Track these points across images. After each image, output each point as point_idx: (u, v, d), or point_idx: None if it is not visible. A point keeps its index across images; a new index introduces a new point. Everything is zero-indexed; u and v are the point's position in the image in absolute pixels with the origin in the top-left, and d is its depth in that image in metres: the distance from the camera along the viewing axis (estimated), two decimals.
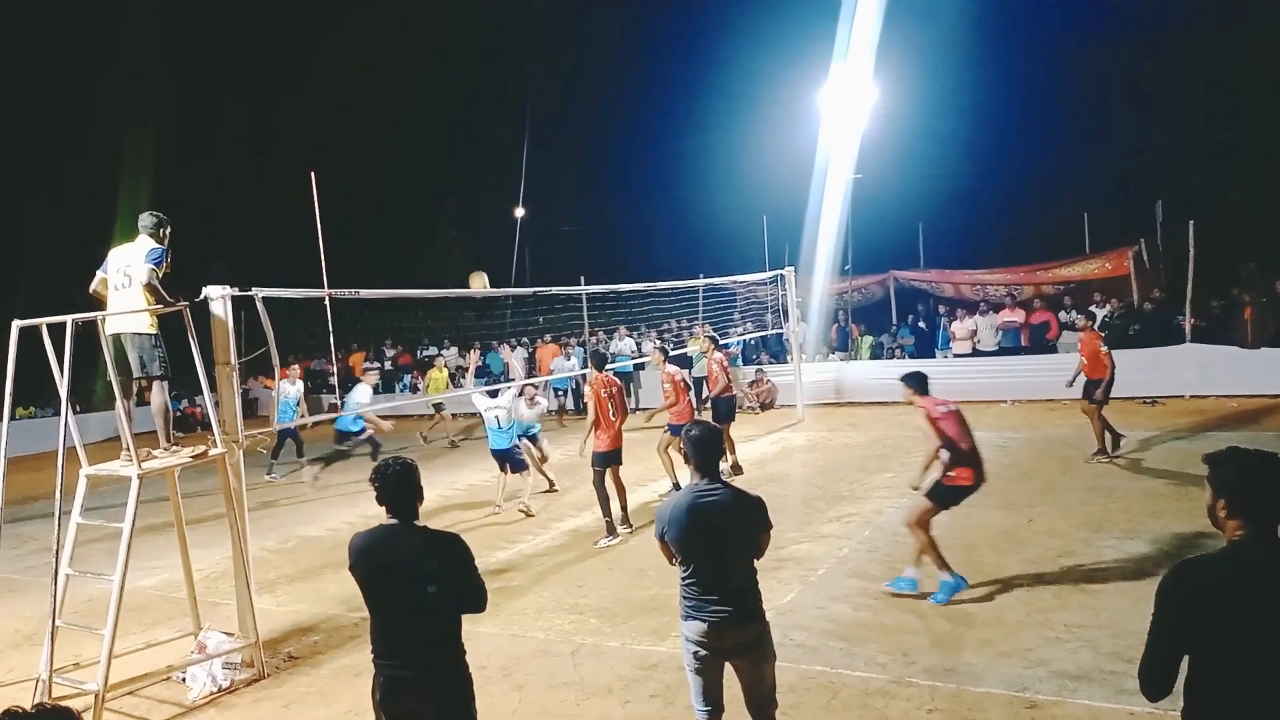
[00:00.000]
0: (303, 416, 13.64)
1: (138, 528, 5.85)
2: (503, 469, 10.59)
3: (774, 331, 18.28)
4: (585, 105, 34.17)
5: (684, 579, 3.91)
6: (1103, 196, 22.00)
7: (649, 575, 7.53)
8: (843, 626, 6.04)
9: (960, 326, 17.17)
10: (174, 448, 6.35)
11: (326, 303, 7.83)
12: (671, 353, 11.73)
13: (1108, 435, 10.67)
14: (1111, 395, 10.69)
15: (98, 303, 6.24)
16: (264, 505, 11.85)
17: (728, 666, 3.93)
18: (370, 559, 3.54)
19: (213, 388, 6.31)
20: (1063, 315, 16.63)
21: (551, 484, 11.39)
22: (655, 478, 11.10)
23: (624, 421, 9.39)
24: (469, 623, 3.58)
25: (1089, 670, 5.03)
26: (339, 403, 15.04)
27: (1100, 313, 15.81)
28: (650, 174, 31.92)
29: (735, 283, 18.42)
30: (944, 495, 6.41)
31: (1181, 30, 22.95)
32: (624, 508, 9.25)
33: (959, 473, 6.33)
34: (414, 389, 19.87)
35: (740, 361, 18.51)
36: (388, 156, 31.91)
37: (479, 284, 11.42)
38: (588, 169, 35.01)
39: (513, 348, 19.36)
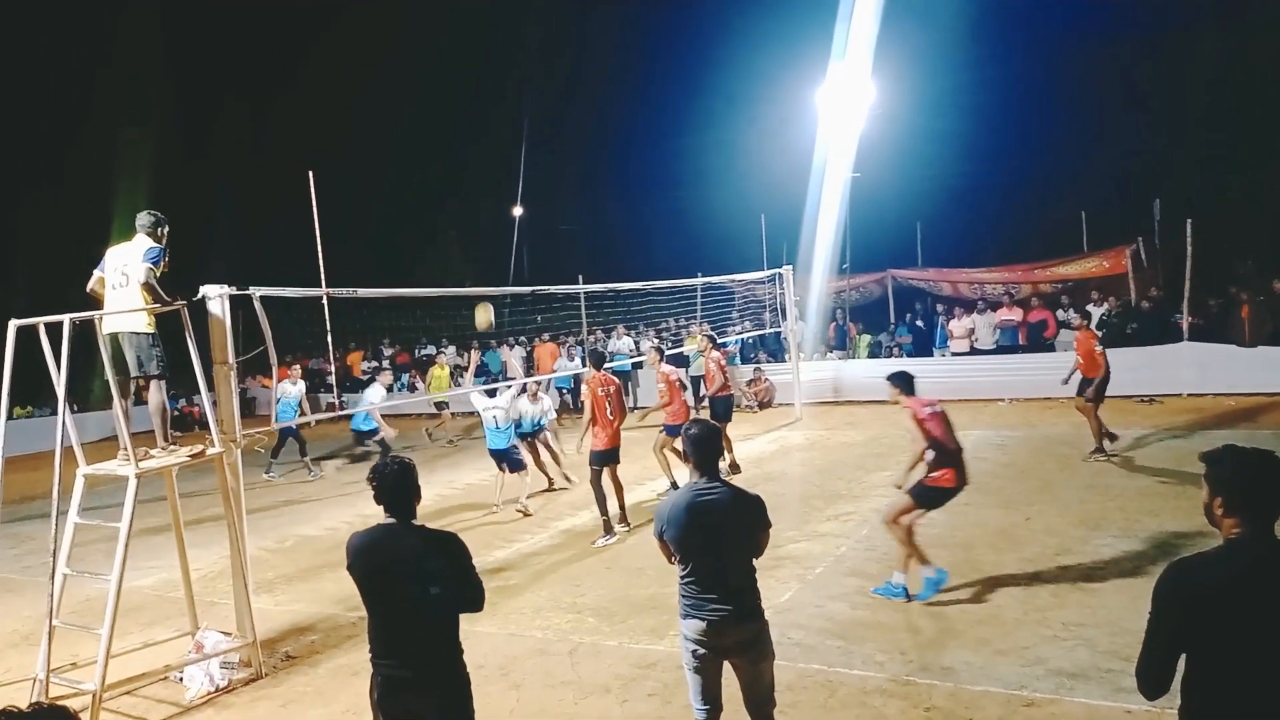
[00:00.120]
0: (304, 415, 13.62)
1: (135, 527, 5.84)
2: (500, 468, 10.59)
3: (772, 330, 18.28)
4: (584, 105, 34.21)
5: (683, 578, 3.91)
6: (1100, 195, 22.00)
7: (647, 574, 7.54)
8: (840, 625, 6.05)
9: (958, 325, 17.18)
10: (172, 447, 6.34)
11: (324, 302, 7.82)
12: (669, 352, 11.72)
13: (1106, 433, 10.69)
14: (1110, 394, 10.70)
15: (95, 302, 6.23)
16: (262, 508, 11.82)
17: (726, 665, 3.93)
18: (368, 558, 3.54)
19: (210, 387, 6.31)
20: (1060, 314, 16.65)
21: (551, 483, 11.38)
22: (653, 477, 11.11)
23: (622, 421, 9.39)
24: (467, 622, 3.58)
25: (1086, 668, 5.03)
26: (337, 402, 15.05)
27: (1098, 311, 15.84)
28: (649, 173, 31.93)
29: (733, 282, 18.43)
30: (925, 496, 6.39)
31: (1180, 30, 22.96)
32: (621, 506, 9.26)
33: (942, 474, 6.31)
34: (412, 388, 19.86)
35: (738, 360, 18.51)
36: (387, 156, 31.93)
37: (484, 317, 11.48)
38: (586, 168, 35.05)
39: (510, 347, 19.36)
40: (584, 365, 10.24)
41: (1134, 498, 8.61)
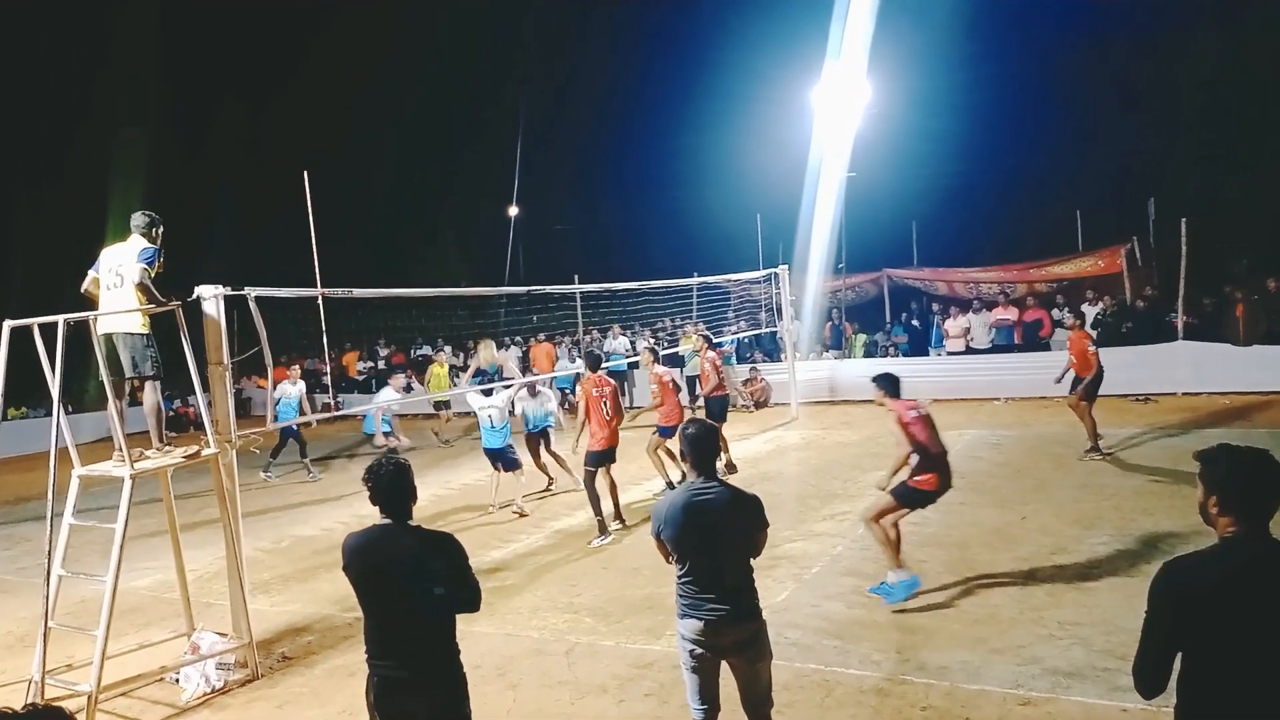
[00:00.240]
0: (304, 415, 13.56)
1: (131, 528, 5.83)
2: (495, 468, 10.57)
3: (768, 330, 18.30)
4: (580, 104, 34.27)
5: (680, 577, 3.91)
6: (1096, 195, 22.04)
7: (643, 574, 7.54)
8: (837, 624, 6.05)
9: (954, 324, 17.20)
10: (167, 448, 6.33)
11: (320, 302, 7.80)
12: (665, 351, 11.70)
13: (1088, 433, 10.74)
14: (1105, 393, 10.71)
15: (90, 303, 6.22)
16: (259, 509, 11.80)
17: (724, 665, 3.93)
18: (364, 559, 3.53)
19: (205, 388, 6.29)
20: (1055, 313, 16.68)
21: (551, 483, 11.36)
22: (649, 476, 11.10)
23: (620, 422, 9.39)
24: (463, 622, 3.58)
25: (1082, 667, 5.04)
26: (333, 403, 15.01)
27: (1092, 310, 15.85)
28: (644, 173, 31.96)
29: (729, 281, 18.44)
30: (908, 497, 6.35)
31: (1176, 30, 22.99)
32: (616, 505, 9.27)
33: (926, 478, 6.27)
34: (408, 389, 19.84)
35: (734, 360, 18.51)
36: (385, 156, 31.94)
37: (487, 355, 11.51)
38: (582, 168, 35.05)
39: (506, 347, 19.34)
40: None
41: (1129, 497, 8.63)
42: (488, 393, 10.56)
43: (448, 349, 20.34)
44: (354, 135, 31.18)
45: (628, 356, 17.62)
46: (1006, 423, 13.53)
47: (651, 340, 17.20)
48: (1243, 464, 2.58)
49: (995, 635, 5.61)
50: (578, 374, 16.92)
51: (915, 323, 19.13)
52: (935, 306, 19.31)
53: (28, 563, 10.01)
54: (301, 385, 14.11)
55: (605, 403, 9.11)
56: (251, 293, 6.77)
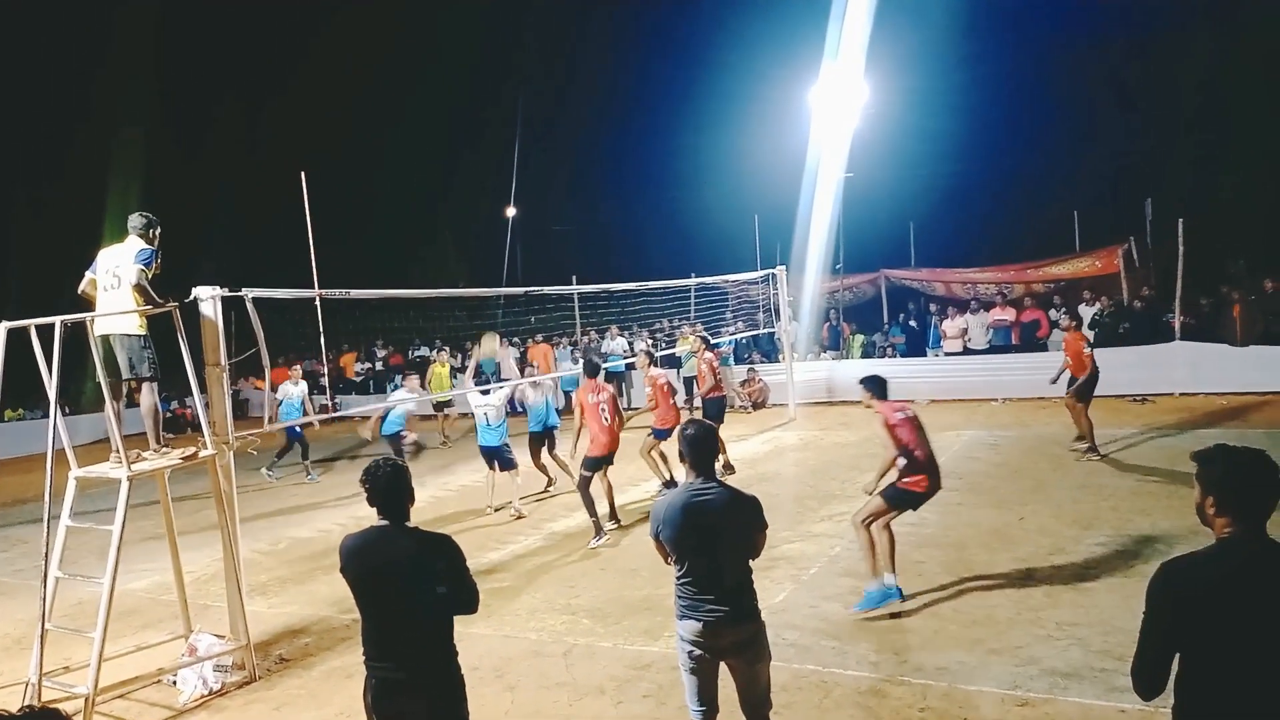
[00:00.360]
0: (307, 415, 13.51)
1: (128, 530, 5.82)
2: (491, 467, 10.55)
3: (766, 330, 18.29)
4: (578, 105, 34.22)
5: (679, 578, 3.90)
6: (1093, 195, 22.07)
7: (641, 575, 7.54)
8: (835, 625, 6.05)
9: (951, 325, 17.22)
10: (164, 449, 6.33)
11: (317, 303, 7.79)
12: (662, 352, 11.67)
13: (1081, 433, 10.76)
14: (1102, 393, 10.73)
15: (87, 304, 6.21)
16: (257, 511, 11.79)
17: (723, 666, 3.93)
18: (361, 561, 3.53)
19: (203, 389, 6.28)
20: (1053, 314, 16.70)
21: (550, 483, 11.36)
22: (646, 478, 11.10)
23: (622, 426, 9.39)
24: (461, 624, 3.57)
25: (1080, 668, 5.04)
26: (330, 404, 14.96)
27: (1090, 311, 15.87)
28: (642, 173, 31.94)
29: (727, 282, 18.43)
30: (897, 498, 6.31)
31: (1174, 30, 23.01)
32: (612, 506, 9.29)
33: (914, 479, 6.24)
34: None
35: (732, 361, 18.52)
36: (385, 156, 31.91)
37: (489, 346, 11.47)
38: (580, 168, 35.02)
39: (505, 347, 19.31)
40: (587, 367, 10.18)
41: (1127, 497, 8.64)
42: (487, 393, 10.55)
43: (446, 350, 20.32)
44: (353, 135, 31.17)
45: (626, 357, 17.63)
46: (1004, 423, 13.54)
47: (649, 342, 17.21)
48: (1239, 464, 2.59)
49: (993, 636, 5.62)
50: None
51: (913, 323, 19.15)
52: (933, 307, 19.32)
53: (25, 565, 10.00)
54: (303, 385, 14.06)
55: (603, 408, 9.10)
56: (249, 294, 6.76)
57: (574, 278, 17.85)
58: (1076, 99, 25.78)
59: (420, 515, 3.90)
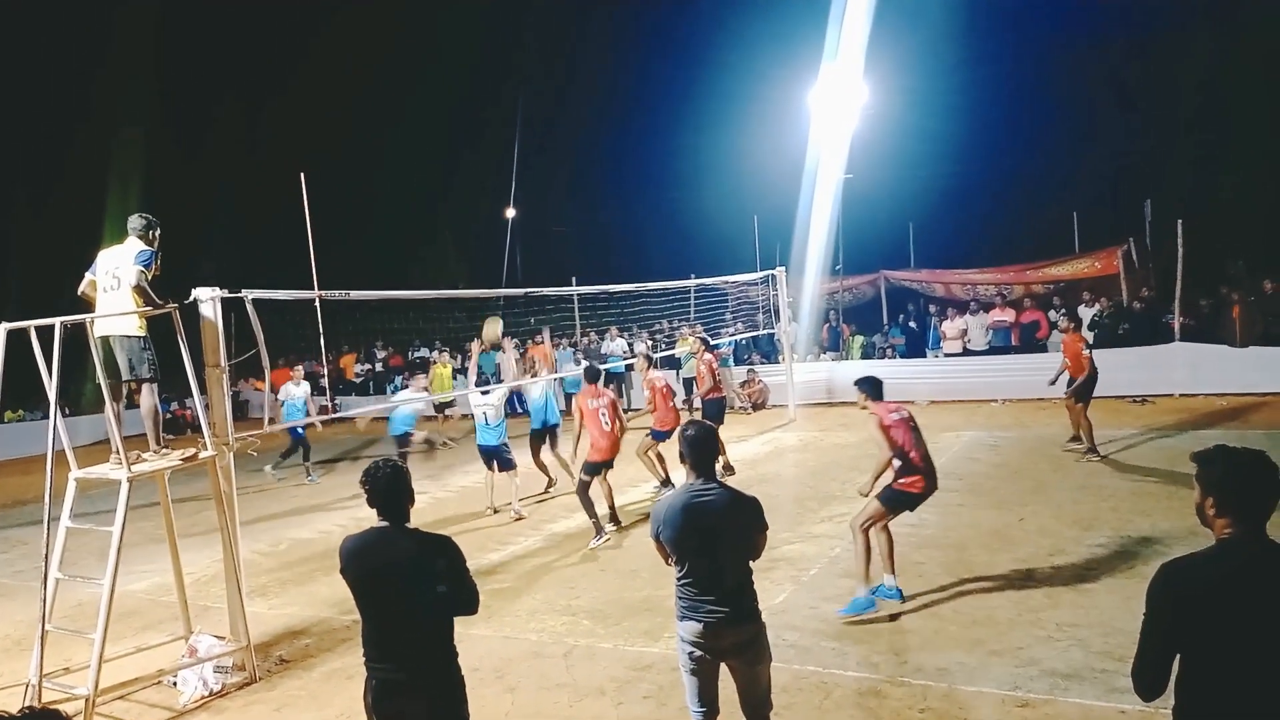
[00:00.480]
0: (310, 417, 13.49)
1: (128, 531, 5.82)
2: (490, 467, 10.55)
3: (765, 332, 18.29)
4: (578, 105, 34.23)
5: (679, 579, 3.90)
6: (1092, 196, 22.08)
7: (641, 576, 7.54)
8: (835, 626, 6.05)
9: (951, 326, 17.22)
10: (164, 451, 6.32)
11: (317, 304, 7.79)
12: (662, 354, 11.66)
13: (1078, 433, 10.76)
14: (1102, 394, 10.73)
15: (86, 305, 6.21)
16: (256, 511, 11.78)
17: (723, 667, 3.93)
18: (361, 562, 3.53)
19: (203, 390, 6.28)
20: (1052, 315, 16.69)
21: (550, 484, 11.35)
22: (646, 478, 11.10)
23: (623, 431, 9.39)
24: (461, 625, 3.57)
25: (1080, 669, 5.05)
26: (330, 404, 14.95)
27: (1089, 312, 15.87)
28: (642, 174, 31.95)
29: (727, 283, 18.43)
30: (894, 499, 6.29)
31: (1174, 31, 23.02)
32: (611, 508, 9.29)
33: (911, 480, 6.23)
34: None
35: (732, 362, 18.51)
36: (385, 157, 31.91)
37: (492, 330, 11.46)
38: (579, 169, 35.04)
39: (504, 349, 19.29)
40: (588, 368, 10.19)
41: (1127, 498, 8.64)
42: (485, 392, 10.56)
43: (446, 352, 20.33)
44: (353, 135, 31.18)
45: (625, 358, 17.63)
46: (1004, 424, 13.54)
47: (648, 344, 17.20)
48: (1239, 465, 2.59)
49: (993, 637, 5.62)
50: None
51: (912, 324, 19.15)
52: (932, 308, 19.33)
53: (25, 566, 9.99)
54: (305, 386, 14.05)
55: (604, 413, 9.10)
56: (249, 295, 6.76)
57: (574, 278, 17.83)
58: (1076, 99, 25.79)
59: (420, 517, 3.89)
